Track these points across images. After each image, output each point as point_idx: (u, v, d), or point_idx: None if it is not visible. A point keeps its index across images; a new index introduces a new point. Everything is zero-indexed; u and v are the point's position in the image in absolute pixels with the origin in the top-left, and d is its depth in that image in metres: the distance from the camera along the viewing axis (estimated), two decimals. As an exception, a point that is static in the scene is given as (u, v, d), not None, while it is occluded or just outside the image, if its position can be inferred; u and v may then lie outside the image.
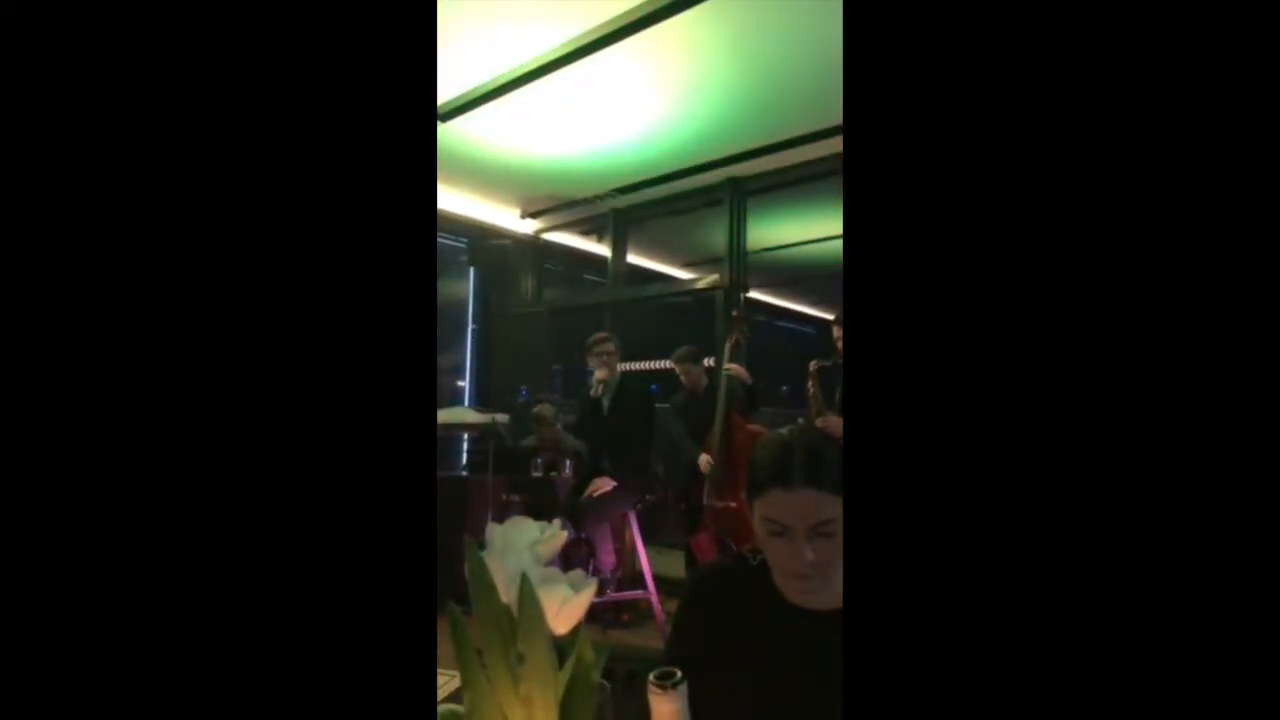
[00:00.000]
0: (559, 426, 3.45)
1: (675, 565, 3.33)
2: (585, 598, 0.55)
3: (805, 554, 0.80)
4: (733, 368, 2.90)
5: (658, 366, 4.20)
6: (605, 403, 3.12)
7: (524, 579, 0.52)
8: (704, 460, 2.90)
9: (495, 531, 0.59)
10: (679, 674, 0.51)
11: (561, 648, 0.56)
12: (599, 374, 3.12)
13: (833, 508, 0.80)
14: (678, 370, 3.20)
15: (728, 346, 2.99)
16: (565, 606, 0.54)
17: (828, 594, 0.86)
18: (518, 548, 0.57)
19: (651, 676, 0.51)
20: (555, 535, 0.60)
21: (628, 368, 3.35)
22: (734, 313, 3.16)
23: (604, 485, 2.97)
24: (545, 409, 3.78)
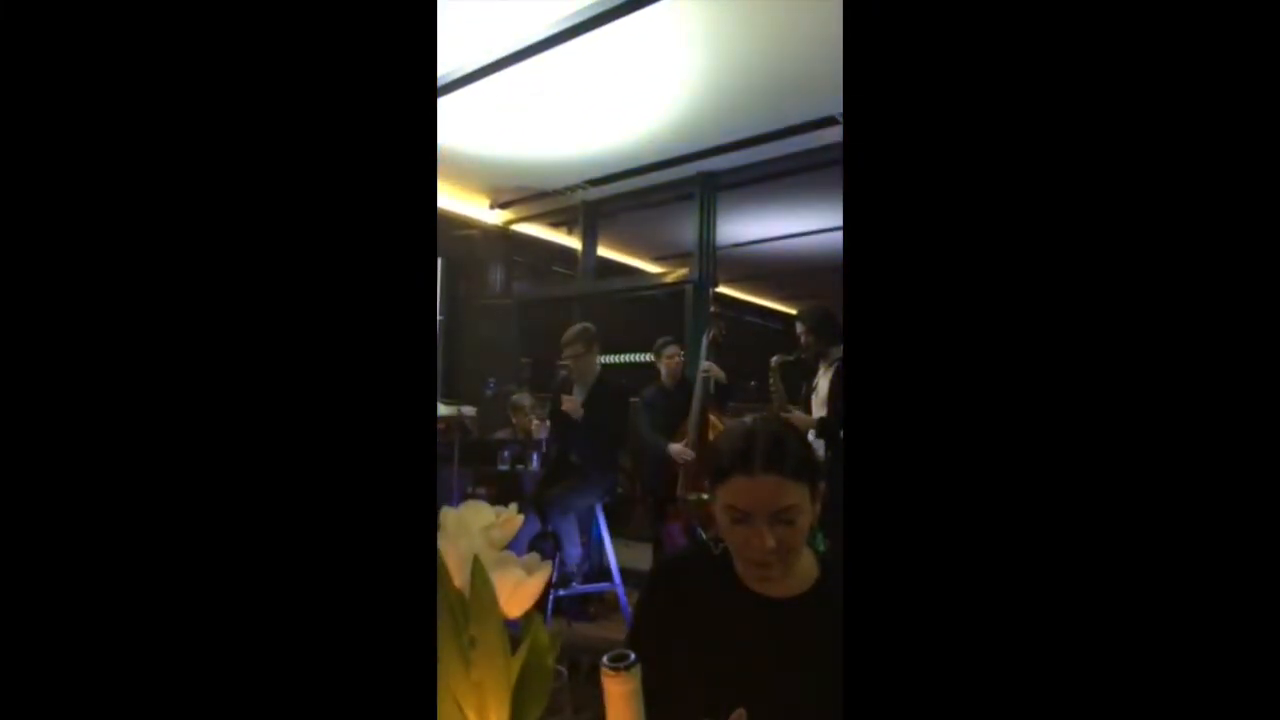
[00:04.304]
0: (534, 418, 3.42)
1: (643, 558, 3.33)
2: (539, 580, 0.53)
3: (766, 540, 0.80)
4: (710, 366, 2.91)
5: (627, 360, 4.19)
6: (580, 396, 3.08)
7: (476, 562, 0.51)
8: (677, 450, 2.90)
9: (449, 515, 0.57)
10: (632, 656, 0.51)
11: (517, 633, 0.55)
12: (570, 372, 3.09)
13: (794, 494, 0.80)
14: (660, 359, 3.18)
15: (705, 341, 2.99)
16: (518, 589, 0.53)
17: (788, 581, 0.86)
18: (471, 531, 0.56)
19: (605, 659, 0.51)
20: (511, 519, 0.58)
21: (604, 361, 3.30)
22: (711, 309, 3.16)
23: (573, 405, 2.93)
24: (522, 398, 3.75)
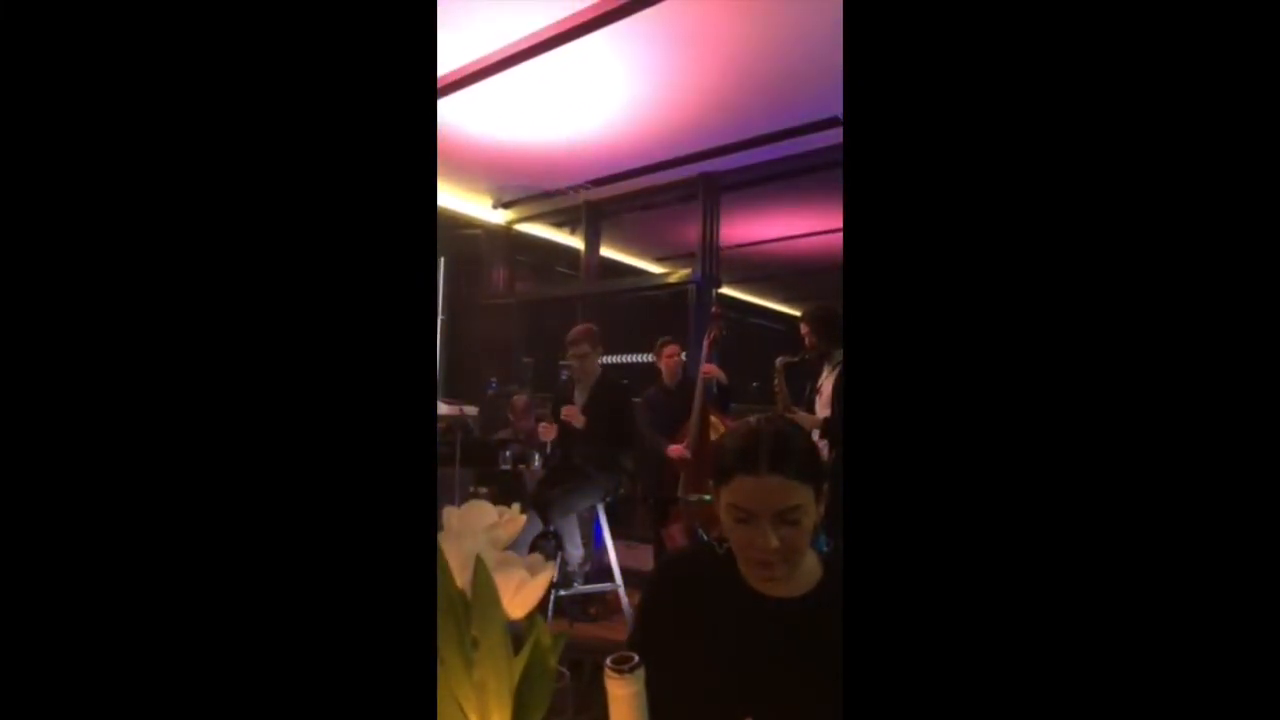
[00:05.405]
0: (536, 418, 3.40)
1: (645, 559, 3.33)
2: (542, 581, 0.53)
3: (770, 540, 0.79)
4: (709, 367, 2.90)
5: (629, 360, 4.19)
6: (581, 397, 3.08)
7: (479, 562, 0.51)
8: (674, 450, 2.90)
9: (451, 514, 0.57)
10: (636, 658, 0.50)
11: (519, 634, 0.55)
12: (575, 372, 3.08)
13: (799, 495, 0.80)
14: (660, 359, 3.17)
15: (706, 342, 2.99)
16: (521, 590, 0.52)
17: (792, 581, 0.86)
18: (474, 531, 0.55)
19: (608, 661, 0.50)
20: (514, 519, 0.58)
21: (606, 361, 3.29)
22: (713, 309, 3.16)
23: (574, 415, 2.93)
24: (520, 399, 3.75)
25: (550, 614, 2.81)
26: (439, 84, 3.00)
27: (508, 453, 3.48)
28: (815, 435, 2.48)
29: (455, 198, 4.66)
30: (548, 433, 3.02)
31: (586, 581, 3.05)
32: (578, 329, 3.07)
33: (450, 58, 2.86)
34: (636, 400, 3.21)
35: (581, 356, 3.01)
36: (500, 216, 4.93)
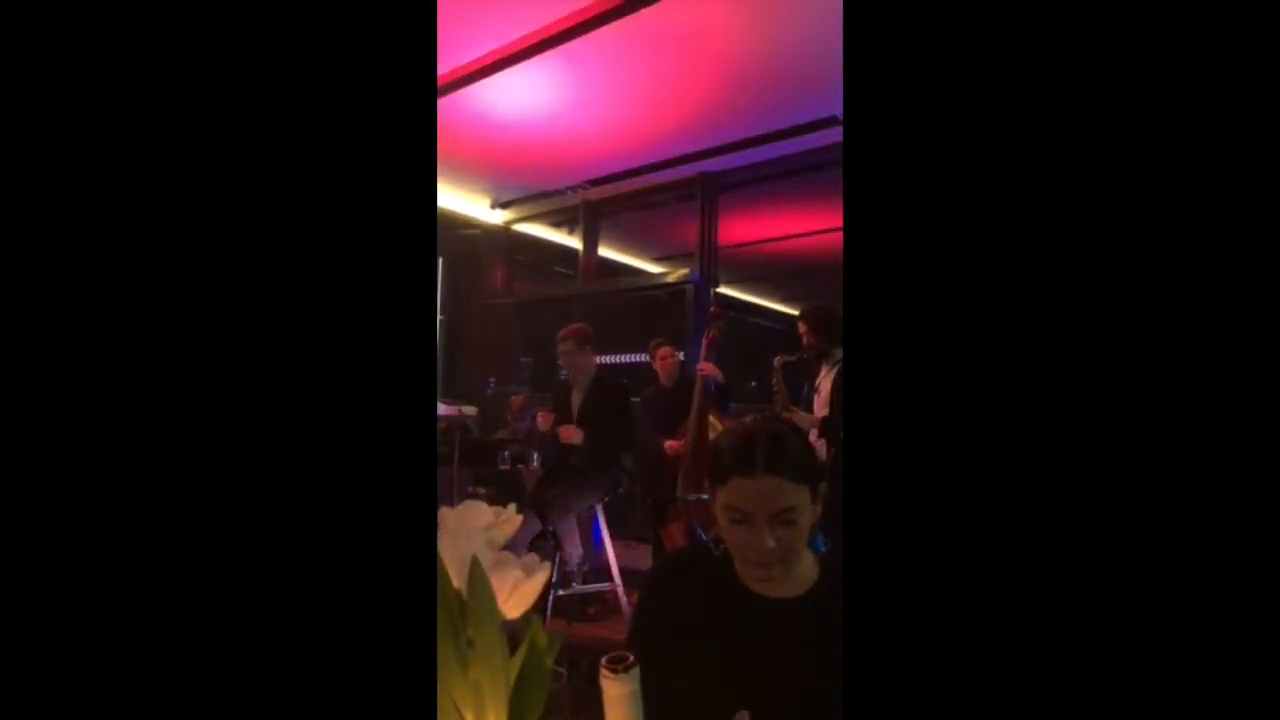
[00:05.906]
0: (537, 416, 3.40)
1: (643, 559, 3.32)
2: (538, 581, 0.53)
3: (766, 541, 0.79)
4: (706, 366, 2.90)
5: (628, 360, 4.19)
6: (578, 398, 3.07)
7: (474, 562, 0.51)
8: (668, 445, 2.90)
9: (447, 515, 0.57)
10: (631, 658, 0.51)
11: (516, 634, 0.55)
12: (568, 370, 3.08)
13: (795, 496, 0.80)
14: (655, 360, 3.17)
15: (704, 342, 2.99)
16: (517, 590, 0.52)
17: (789, 582, 0.86)
18: (470, 531, 0.55)
19: (603, 660, 0.50)
20: (510, 519, 0.58)
21: (603, 361, 3.28)
22: (711, 309, 3.15)
23: (572, 434, 2.93)
24: (518, 399, 3.75)
25: (549, 614, 2.81)
26: (438, 83, 3.00)
27: (506, 453, 3.48)
28: (813, 435, 2.48)
29: (454, 198, 4.65)
30: (545, 421, 3.02)
31: (585, 581, 3.05)
32: (567, 327, 3.08)
33: (450, 56, 2.85)
34: (635, 400, 3.20)
35: (567, 354, 3.01)
36: (499, 216, 4.93)
